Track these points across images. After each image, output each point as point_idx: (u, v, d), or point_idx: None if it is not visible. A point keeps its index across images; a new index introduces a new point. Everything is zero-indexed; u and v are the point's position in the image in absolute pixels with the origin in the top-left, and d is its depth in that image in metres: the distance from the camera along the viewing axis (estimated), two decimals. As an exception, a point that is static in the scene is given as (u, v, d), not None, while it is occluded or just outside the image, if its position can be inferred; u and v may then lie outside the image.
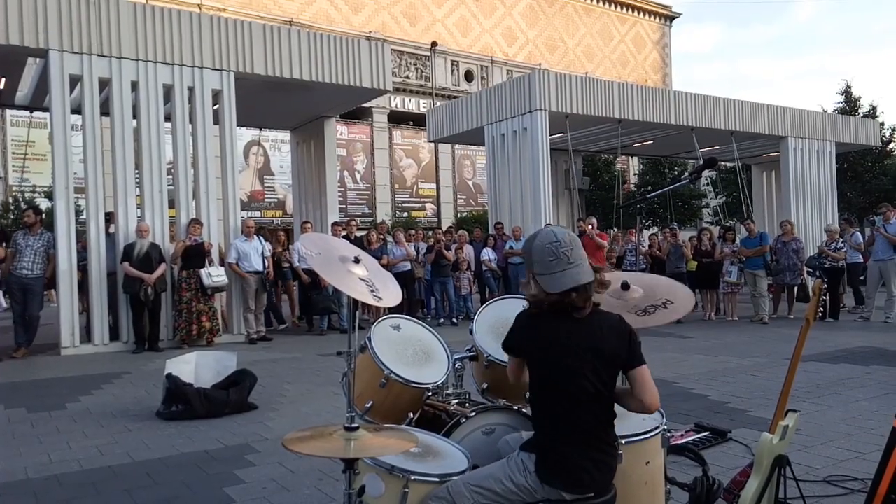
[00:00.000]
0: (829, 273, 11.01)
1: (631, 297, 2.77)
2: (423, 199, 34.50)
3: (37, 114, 13.42)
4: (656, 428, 2.46)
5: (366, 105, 25.59)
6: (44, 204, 17.68)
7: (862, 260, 12.00)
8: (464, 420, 2.55)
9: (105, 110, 9.47)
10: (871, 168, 26.69)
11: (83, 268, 9.45)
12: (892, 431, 2.70)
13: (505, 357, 2.74)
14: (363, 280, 2.36)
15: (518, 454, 2.18)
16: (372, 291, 2.33)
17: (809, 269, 11.51)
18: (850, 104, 27.50)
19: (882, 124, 25.65)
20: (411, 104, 33.48)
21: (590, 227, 11.48)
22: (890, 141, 27.40)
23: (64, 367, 7.90)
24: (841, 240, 11.52)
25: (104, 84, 9.30)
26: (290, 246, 11.47)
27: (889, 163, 27.51)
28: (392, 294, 2.44)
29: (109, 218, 9.52)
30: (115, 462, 4.21)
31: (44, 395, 6.32)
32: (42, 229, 8.95)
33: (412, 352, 2.96)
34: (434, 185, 34.04)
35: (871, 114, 26.75)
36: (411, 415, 2.77)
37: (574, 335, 2.14)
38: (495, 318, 2.99)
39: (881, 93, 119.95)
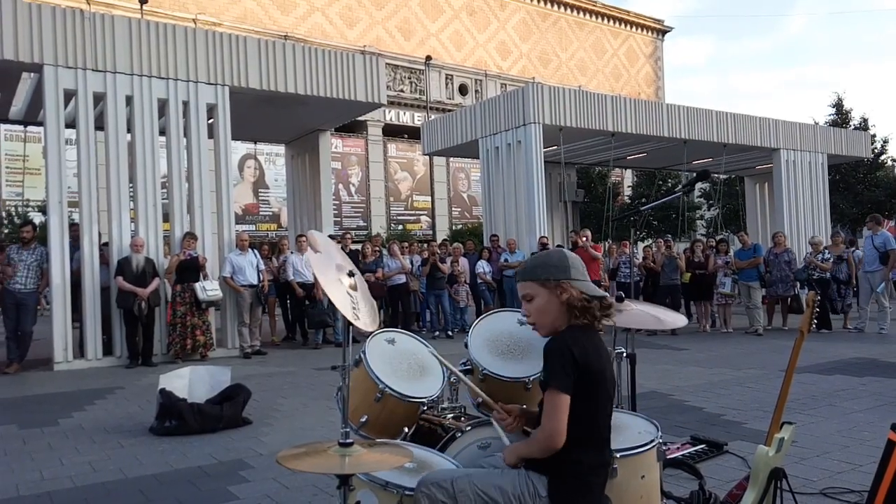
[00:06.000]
0: (817, 284, 11.04)
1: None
2: (417, 212, 34.54)
3: (31, 128, 13.42)
4: (651, 441, 2.44)
5: (360, 118, 25.68)
6: (37, 218, 17.61)
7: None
8: (459, 434, 2.54)
9: (99, 124, 9.47)
10: (863, 179, 26.87)
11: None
12: (888, 443, 2.70)
13: (500, 371, 2.73)
14: (349, 294, 2.36)
15: (528, 474, 2.09)
16: (353, 308, 2.32)
17: (798, 281, 11.51)
18: (841, 116, 27.72)
19: (873, 136, 25.85)
20: (406, 117, 33.61)
21: (584, 238, 11.51)
22: (881, 153, 27.59)
23: (56, 383, 7.85)
24: (827, 252, 11.53)
25: (99, 98, 9.31)
26: (274, 258, 11.40)
27: (881, 174, 27.69)
28: (370, 319, 2.41)
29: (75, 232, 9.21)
30: (107, 478, 4.18)
31: (36, 411, 6.26)
32: (35, 244, 8.95)
33: (407, 366, 2.95)
34: (429, 198, 34.09)
35: (863, 126, 26.95)
36: (406, 429, 2.76)
37: (604, 351, 2.15)
38: (490, 332, 2.98)
39: (872, 104, 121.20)
